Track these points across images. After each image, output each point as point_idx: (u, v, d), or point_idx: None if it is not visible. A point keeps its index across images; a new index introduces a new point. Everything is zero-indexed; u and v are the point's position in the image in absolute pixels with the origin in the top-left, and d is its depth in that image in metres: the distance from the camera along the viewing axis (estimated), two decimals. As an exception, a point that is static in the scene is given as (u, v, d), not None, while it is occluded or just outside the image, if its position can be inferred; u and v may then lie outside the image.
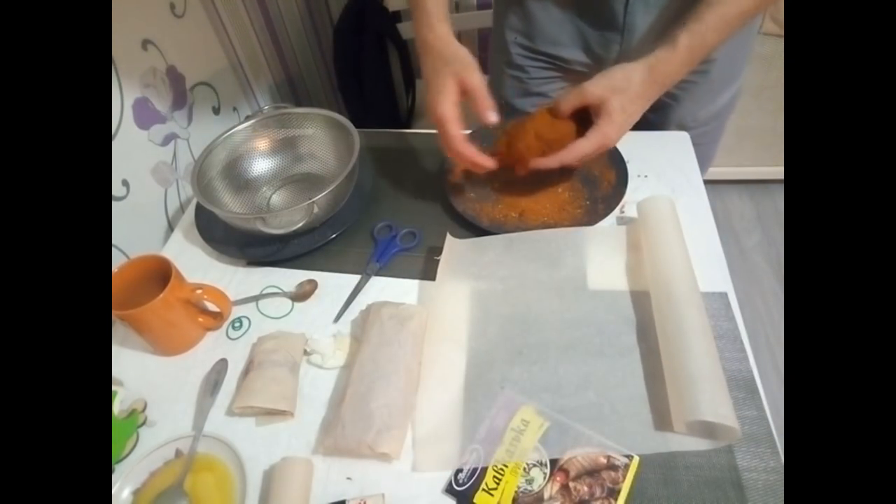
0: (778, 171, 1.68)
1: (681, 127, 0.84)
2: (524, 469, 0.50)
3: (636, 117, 0.63)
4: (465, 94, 0.63)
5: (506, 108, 0.92)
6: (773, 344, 1.43)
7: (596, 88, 0.61)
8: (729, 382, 0.55)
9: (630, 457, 0.50)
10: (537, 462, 0.51)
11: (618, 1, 0.71)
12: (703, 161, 0.91)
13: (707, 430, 0.51)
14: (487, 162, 0.65)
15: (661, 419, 0.52)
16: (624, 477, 0.49)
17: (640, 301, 0.62)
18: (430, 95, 0.64)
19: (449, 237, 0.68)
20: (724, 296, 0.62)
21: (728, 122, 0.90)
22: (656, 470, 0.50)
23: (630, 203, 0.73)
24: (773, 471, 0.49)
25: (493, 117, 0.63)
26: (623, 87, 0.61)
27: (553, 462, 0.50)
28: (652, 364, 0.56)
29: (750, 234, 1.68)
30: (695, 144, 0.83)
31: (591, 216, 0.71)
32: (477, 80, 0.63)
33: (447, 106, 0.62)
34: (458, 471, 0.51)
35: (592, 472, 0.50)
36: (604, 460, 0.50)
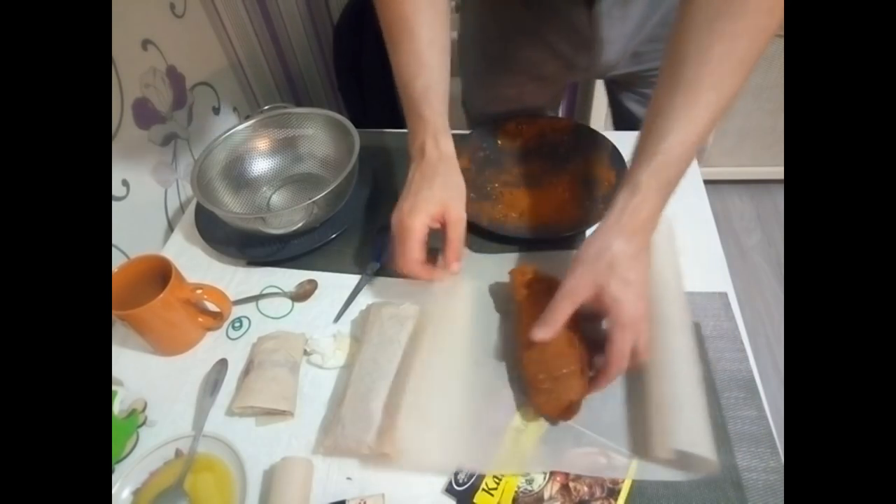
0: (778, 171, 1.68)
1: None
2: None
3: (646, 276, 0.52)
4: (443, 225, 0.59)
5: (474, 111, 0.94)
6: (773, 344, 1.43)
7: (580, 285, 0.50)
8: (729, 382, 0.55)
9: (630, 457, 0.50)
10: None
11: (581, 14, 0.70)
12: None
13: (684, 459, 0.48)
14: (436, 274, 0.60)
15: (638, 445, 0.51)
16: (623, 477, 0.49)
17: None
18: (407, 200, 0.59)
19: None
20: (724, 296, 0.62)
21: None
22: (656, 470, 0.50)
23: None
24: (773, 471, 0.49)
25: (455, 268, 0.59)
26: (606, 266, 0.50)
27: None
28: (634, 386, 0.55)
29: (750, 234, 1.68)
30: None
31: (591, 216, 0.71)
32: (459, 216, 0.59)
33: (419, 223, 0.57)
34: (458, 471, 0.51)
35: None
36: (603, 460, 0.50)
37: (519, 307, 0.58)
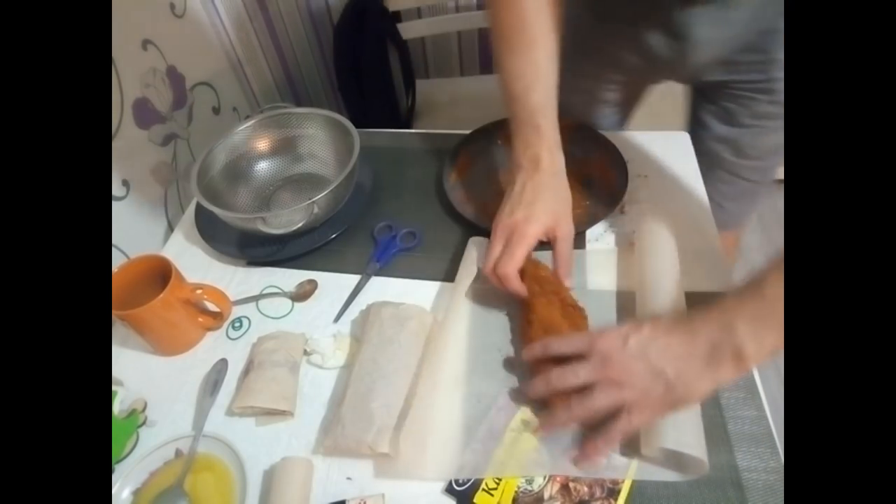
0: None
1: (738, 153, 0.79)
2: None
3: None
4: (553, 239, 0.60)
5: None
6: (773, 344, 1.43)
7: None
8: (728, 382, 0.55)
9: (629, 457, 0.50)
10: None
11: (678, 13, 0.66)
12: (742, 207, 0.87)
13: (676, 459, 0.49)
14: (522, 289, 0.58)
15: (632, 443, 0.51)
16: (623, 477, 0.49)
17: (623, 303, 0.62)
18: (521, 208, 0.59)
19: (474, 239, 0.68)
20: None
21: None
22: (656, 470, 0.50)
23: (630, 203, 0.73)
24: (773, 471, 0.49)
25: (568, 283, 0.60)
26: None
27: None
28: None
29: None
30: (742, 179, 0.80)
31: (591, 216, 0.71)
32: (570, 231, 0.61)
33: (534, 231, 0.58)
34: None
35: None
36: (603, 460, 0.50)
37: (525, 303, 0.58)
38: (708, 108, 0.80)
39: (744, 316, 0.44)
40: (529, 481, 0.49)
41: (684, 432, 0.48)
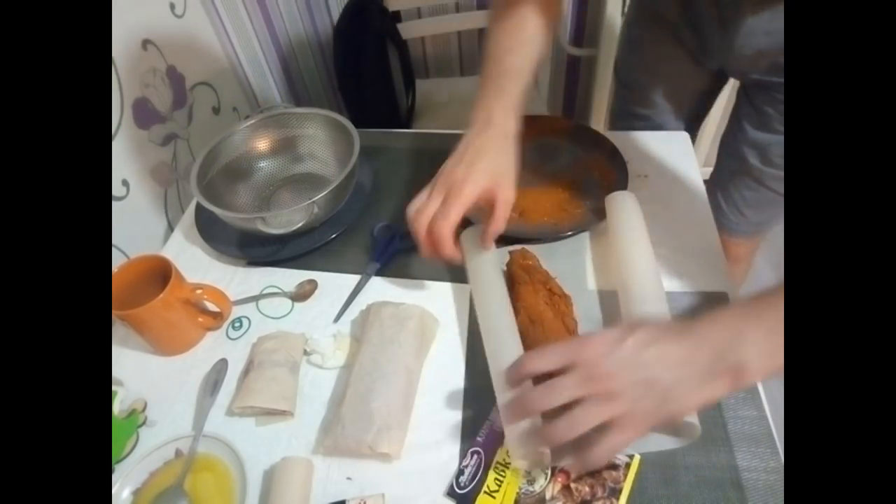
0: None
1: (764, 160, 0.77)
2: (526, 470, 0.50)
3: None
4: (490, 201, 0.57)
5: (621, 69, 0.92)
6: (773, 344, 1.43)
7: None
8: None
9: (631, 456, 0.50)
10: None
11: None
12: (764, 216, 0.85)
13: (669, 426, 0.49)
14: (455, 253, 0.57)
15: None
16: (625, 476, 0.49)
17: (607, 301, 0.63)
18: (462, 165, 0.57)
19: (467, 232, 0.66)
20: (724, 296, 0.62)
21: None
22: (656, 470, 0.50)
23: (630, 203, 0.73)
24: (773, 471, 0.49)
25: (489, 244, 0.59)
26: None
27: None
28: None
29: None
30: (766, 188, 0.79)
31: (591, 216, 0.71)
32: (509, 196, 0.57)
33: (470, 191, 0.55)
34: (460, 473, 0.51)
35: (593, 472, 0.50)
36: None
37: (512, 292, 0.59)
38: (747, 110, 0.79)
39: (758, 327, 0.40)
40: (531, 482, 0.49)
41: None
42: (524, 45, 0.61)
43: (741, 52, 0.70)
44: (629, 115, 0.92)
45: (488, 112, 0.59)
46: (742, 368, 0.39)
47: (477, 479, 0.50)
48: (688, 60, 0.81)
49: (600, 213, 0.71)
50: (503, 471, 0.50)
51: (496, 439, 0.52)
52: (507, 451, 0.51)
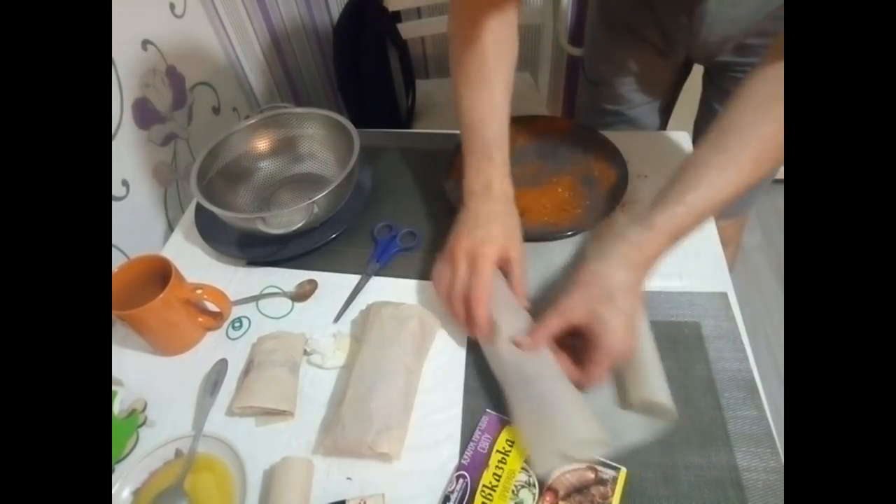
0: (778, 171, 1.68)
1: None
2: (513, 491, 0.49)
3: (640, 310, 0.54)
4: (507, 261, 0.59)
5: (590, 69, 0.93)
6: (773, 344, 1.43)
7: (576, 307, 0.53)
8: (729, 382, 0.55)
9: (617, 469, 0.49)
10: (525, 483, 0.49)
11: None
12: (743, 199, 0.87)
13: (648, 412, 0.53)
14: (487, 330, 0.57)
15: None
16: (613, 491, 0.48)
17: None
18: (476, 230, 0.60)
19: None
20: (724, 296, 0.62)
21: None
22: (656, 470, 0.50)
23: (630, 202, 0.73)
24: (773, 471, 0.49)
25: (524, 302, 0.59)
26: (604, 292, 0.52)
27: (541, 482, 0.49)
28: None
29: (750, 234, 1.68)
30: None
31: (591, 216, 0.71)
32: (523, 253, 0.61)
33: (492, 251, 0.58)
34: (447, 498, 0.49)
35: (581, 489, 0.49)
36: (591, 475, 0.49)
37: None
38: (714, 93, 0.82)
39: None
40: (518, 503, 0.49)
41: (656, 385, 0.52)
42: (497, 112, 0.65)
43: (707, 39, 0.72)
44: (600, 111, 0.93)
45: (487, 180, 0.63)
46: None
47: (465, 502, 0.49)
48: (653, 55, 0.82)
49: (600, 214, 0.71)
50: (490, 494, 0.49)
51: (481, 461, 0.51)
52: (493, 474, 0.50)
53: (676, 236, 0.53)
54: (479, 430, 0.53)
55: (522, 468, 0.50)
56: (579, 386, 0.52)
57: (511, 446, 0.52)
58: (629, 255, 0.53)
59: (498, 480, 0.50)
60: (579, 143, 0.80)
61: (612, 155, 0.76)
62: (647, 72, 0.86)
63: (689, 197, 0.52)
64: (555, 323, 0.53)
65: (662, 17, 0.75)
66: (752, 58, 0.73)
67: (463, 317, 0.58)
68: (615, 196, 0.72)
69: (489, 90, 0.65)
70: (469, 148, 0.65)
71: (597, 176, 0.76)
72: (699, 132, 0.88)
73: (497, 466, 0.50)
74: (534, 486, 0.49)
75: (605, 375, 0.52)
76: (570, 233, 0.70)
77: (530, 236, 0.70)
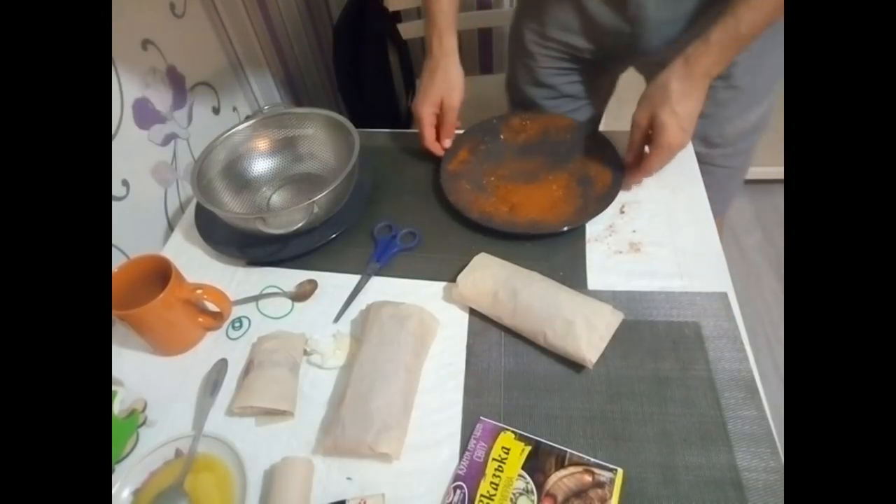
0: (778, 171, 1.68)
1: (706, 143, 0.81)
2: (511, 499, 0.49)
3: (693, 113, 0.65)
4: (442, 109, 0.77)
5: (518, 97, 0.93)
6: (773, 344, 1.43)
7: (642, 112, 0.67)
8: (729, 382, 0.55)
9: (614, 471, 0.49)
10: (523, 490, 0.49)
11: None
12: (724, 193, 0.89)
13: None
14: (437, 149, 0.80)
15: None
16: (611, 493, 0.48)
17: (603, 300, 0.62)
18: (419, 93, 0.77)
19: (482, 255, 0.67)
20: (724, 296, 0.62)
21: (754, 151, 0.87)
22: (656, 470, 0.50)
23: (630, 203, 0.73)
24: (773, 471, 0.49)
25: (446, 144, 0.80)
26: (662, 97, 0.64)
27: (539, 488, 0.49)
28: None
29: (750, 234, 1.68)
30: (718, 167, 0.82)
31: (581, 215, 0.71)
32: (454, 102, 0.76)
33: (425, 112, 0.77)
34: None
35: (580, 493, 0.48)
36: (589, 478, 0.49)
37: None
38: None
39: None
40: None
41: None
42: None
43: (649, 44, 0.75)
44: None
45: (427, 43, 0.77)
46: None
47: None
48: (587, 70, 0.85)
49: (590, 213, 0.70)
50: (489, 503, 0.49)
51: (478, 470, 0.51)
52: (490, 483, 0.49)
53: (731, 48, 0.61)
54: (474, 438, 0.53)
55: (519, 475, 0.50)
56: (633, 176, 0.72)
57: (507, 453, 0.51)
58: (685, 67, 0.63)
59: (496, 489, 0.49)
60: (582, 142, 0.80)
61: (612, 157, 0.76)
62: (580, 87, 0.89)
63: (740, 9, 0.59)
64: (635, 134, 0.69)
65: (601, 30, 0.76)
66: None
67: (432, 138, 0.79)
68: (607, 197, 0.71)
69: None
70: (429, 15, 0.75)
71: (593, 176, 0.76)
72: None
73: (494, 475, 0.50)
74: (532, 492, 0.49)
75: (660, 167, 0.68)
76: (554, 230, 0.69)
77: (516, 231, 0.70)
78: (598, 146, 0.78)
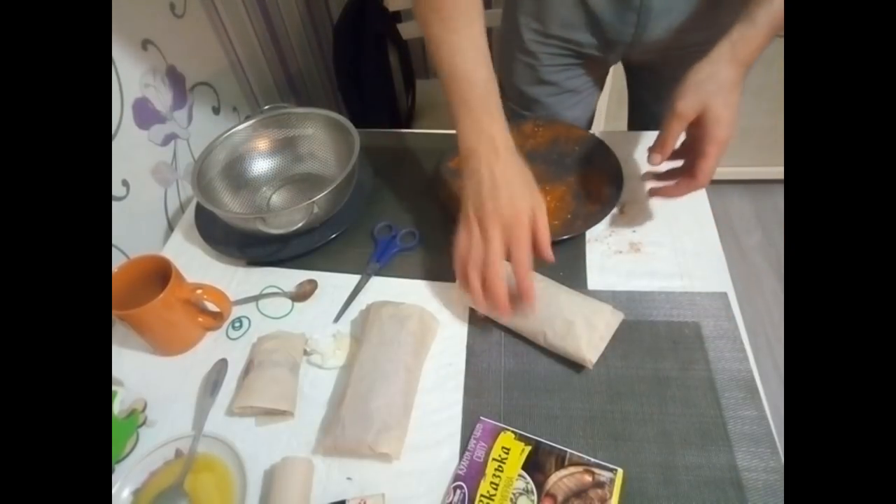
0: (778, 171, 1.68)
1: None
2: (511, 499, 0.49)
3: (738, 100, 0.59)
4: (534, 222, 0.57)
5: (517, 97, 0.90)
6: (773, 344, 1.43)
7: (688, 102, 0.57)
8: (729, 382, 0.55)
9: (614, 471, 0.49)
10: (524, 490, 0.49)
11: None
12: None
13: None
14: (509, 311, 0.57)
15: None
16: (611, 493, 0.48)
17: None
18: (502, 190, 0.56)
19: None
20: (724, 296, 0.62)
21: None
22: (656, 470, 0.50)
23: (630, 203, 0.73)
24: (773, 471, 0.49)
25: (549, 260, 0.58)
26: (716, 86, 0.57)
27: (539, 488, 0.49)
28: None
29: (750, 234, 1.68)
30: None
31: (566, 229, 0.70)
32: (543, 215, 0.57)
33: (526, 210, 0.56)
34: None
35: (580, 493, 0.48)
36: (589, 478, 0.49)
37: None
38: (639, 90, 0.86)
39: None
40: None
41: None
42: (483, 54, 0.58)
43: (653, 33, 0.73)
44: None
45: (489, 136, 0.57)
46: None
47: None
48: (588, 64, 0.84)
49: (576, 229, 0.70)
50: (489, 503, 0.49)
51: (478, 470, 0.51)
52: (490, 483, 0.49)
53: (773, 29, 0.56)
54: (474, 438, 0.53)
55: (519, 475, 0.50)
56: (692, 183, 0.61)
57: (507, 453, 0.51)
58: (734, 51, 0.57)
59: (496, 489, 0.49)
60: (586, 154, 0.79)
61: (615, 174, 0.74)
62: (580, 82, 0.87)
63: None
64: (675, 127, 0.58)
65: (603, 19, 0.74)
66: (687, 36, 0.73)
67: (480, 291, 0.56)
68: (597, 215, 0.70)
69: (469, 29, 0.57)
70: (460, 100, 0.58)
71: (592, 191, 0.74)
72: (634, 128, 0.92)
73: (494, 475, 0.50)
74: (532, 492, 0.49)
75: (715, 167, 0.58)
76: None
77: None
78: (604, 161, 0.76)
